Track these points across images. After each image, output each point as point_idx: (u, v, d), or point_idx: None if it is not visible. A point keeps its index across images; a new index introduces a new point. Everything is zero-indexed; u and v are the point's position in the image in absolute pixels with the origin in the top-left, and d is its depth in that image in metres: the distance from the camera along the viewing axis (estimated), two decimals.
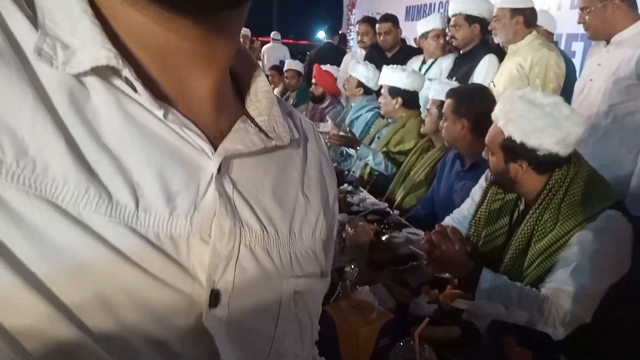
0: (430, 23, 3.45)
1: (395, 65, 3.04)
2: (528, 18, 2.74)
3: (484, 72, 2.93)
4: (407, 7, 5.87)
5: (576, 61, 3.39)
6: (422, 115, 2.79)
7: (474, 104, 2.11)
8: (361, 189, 2.73)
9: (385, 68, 3.06)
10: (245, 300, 0.42)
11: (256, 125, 0.47)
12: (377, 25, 3.97)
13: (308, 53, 6.37)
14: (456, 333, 1.24)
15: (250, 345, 0.43)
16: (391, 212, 2.36)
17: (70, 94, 0.35)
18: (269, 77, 5.46)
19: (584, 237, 1.40)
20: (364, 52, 4.35)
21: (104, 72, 0.36)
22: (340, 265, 1.48)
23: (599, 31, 2.38)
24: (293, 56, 7.03)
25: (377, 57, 3.90)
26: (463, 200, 1.97)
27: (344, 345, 1.08)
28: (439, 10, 5.06)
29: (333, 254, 0.58)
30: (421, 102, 3.04)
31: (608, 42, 2.37)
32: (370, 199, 2.55)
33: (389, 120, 3.08)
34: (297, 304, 0.48)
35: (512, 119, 1.50)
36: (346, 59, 4.89)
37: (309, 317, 0.51)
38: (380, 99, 3.05)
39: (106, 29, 0.36)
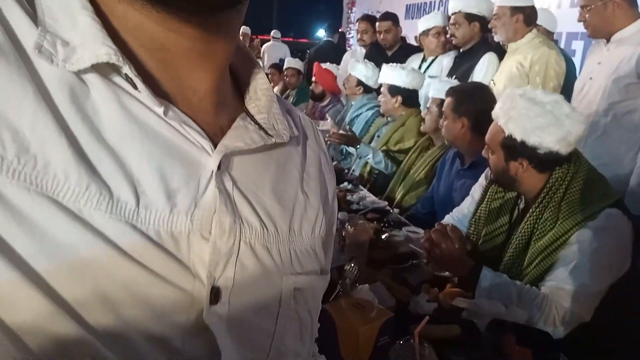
0: (431, 20, 3.46)
1: (395, 64, 3.04)
2: (528, 16, 2.73)
3: (484, 70, 2.92)
4: (407, 5, 5.85)
5: (576, 60, 3.38)
6: (422, 114, 2.79)
7: (474, 102, 2.10)
8: (361, 187, 2.73)
9: (385, 66, 3.05)
10: (246, 297, 0.42)
11: (256, 122, 0.47)
12: (377, 24, 3.97)
13: (308, 51, 6.35)
14: (456, 331, 1.24)
15: (250, 342, 0.44)
16: (391, 211, 2.36)
17: (70, 91, 0.35)
18: (269, 76, 5.45)
19: (584, 236, 1.40)
20: (363, 51, 4.35)
21: (104, 69, 0.36)
22: (340, 263, 1.48)
23: (599, 29, 2.38)
24: (293, 54, 7.02)
25: (377, 55, 3.90)
26: (463, 199, 1.97)
27: (344, 344, 1.08)
28: (438, 9, 5.05)
29: (333, 252, 0.58)
30: (421, 101, 3.04)
31: (608, 40, 2.36)
32: (370, 197, 2.54)
33: (389, 118, 3.08)
34: (297, 301, 0.48)
35: (512, 117, 1.49)
36: (346, 57, 4.89)
37: (309, 314, 0.51)
38: (380, 98, 3.05)
39: (106, 26, 0.36)
